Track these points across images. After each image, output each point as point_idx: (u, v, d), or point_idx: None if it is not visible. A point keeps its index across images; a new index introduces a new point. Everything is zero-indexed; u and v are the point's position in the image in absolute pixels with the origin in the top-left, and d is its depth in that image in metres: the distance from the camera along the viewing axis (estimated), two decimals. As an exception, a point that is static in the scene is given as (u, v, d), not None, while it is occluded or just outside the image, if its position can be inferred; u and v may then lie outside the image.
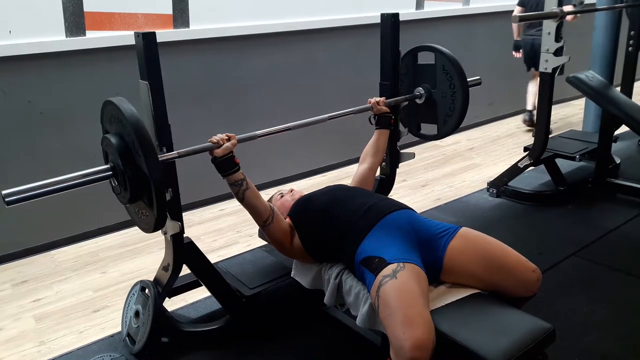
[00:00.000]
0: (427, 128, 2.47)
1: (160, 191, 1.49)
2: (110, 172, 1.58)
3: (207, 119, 3.34)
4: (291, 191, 2.13)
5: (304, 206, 1.89)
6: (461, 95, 2.23)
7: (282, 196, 2.12)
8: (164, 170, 1.72)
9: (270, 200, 2.17)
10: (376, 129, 2.25)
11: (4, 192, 1.38)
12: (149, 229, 1.61)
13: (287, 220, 1.93)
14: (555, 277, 2.31)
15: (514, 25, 4.45)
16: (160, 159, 1.58)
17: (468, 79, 2.24)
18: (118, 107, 1.51)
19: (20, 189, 1.40)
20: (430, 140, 2.48)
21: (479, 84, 2.37)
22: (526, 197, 3.17)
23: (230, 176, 1.73)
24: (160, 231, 1.83)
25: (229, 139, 1.75)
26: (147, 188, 1.51)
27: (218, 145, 1.72)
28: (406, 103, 2.39)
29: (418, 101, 2.36)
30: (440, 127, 2.36)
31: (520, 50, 4.54)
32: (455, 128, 2.31)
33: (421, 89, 2.34)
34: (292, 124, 1.98)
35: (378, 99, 2.22)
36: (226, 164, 1.72)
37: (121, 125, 1.54)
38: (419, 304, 1.43)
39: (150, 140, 1.50)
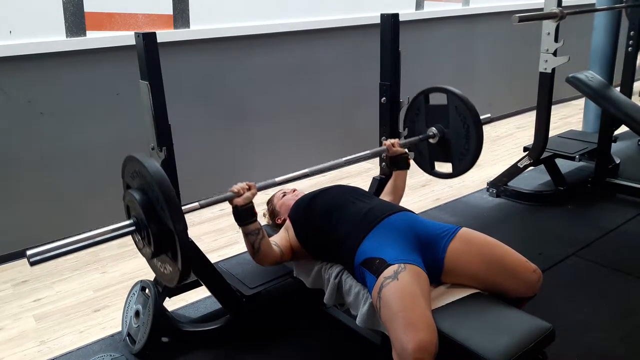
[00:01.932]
0: (441, 166, 2.47)
1: (186, 246, 1.47)
2: (134, 227, 1.56)
3: (207, 119, 3.34)
4: (294, 191, 2.13)
5: (305, 207, 1.89)
6: (475, 135, 2.23)
7: (284, 195, 2.12)
8: (169, 162, 1.71)
9: (271, 199, 2.18)
10: (393, 170, 2.22)
11: (28, 252, 1.37)
12: (172, 282, 1.59)
13: (287, 221, 1.93)
14: (555, 277, 2.31)
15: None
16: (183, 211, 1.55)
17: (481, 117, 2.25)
18: (142, 162, 1.49)
19: (43, 249, 1.39)
20: (445, 178, 2.48)
21: (490, 121, 2.37)
22: (526, 197, 3.17)
23: (248, 226, 1.71)
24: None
25: (249, 188, 1.73)
26: (172, 242, 1.49)
27: (239, 194, 1.70)
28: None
29: (432, 141, 2.37)
30: (455, 166, 2.36)
31: None
32: (470, 167, 2.32)
33: (434, 128, 2.35)
34: (310, 169, 1.95)
35: (393, 140, 2.20)
36: (246, 214, 1.71)
37: (144, 180, 1.52)
38: (420, 305, 1.43)
39: (175, 195, 1.48)
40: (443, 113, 2.31)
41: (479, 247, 1.65)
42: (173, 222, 1.44)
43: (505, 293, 1.64)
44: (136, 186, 1.57)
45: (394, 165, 2.21)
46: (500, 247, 1.67)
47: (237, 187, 1.72)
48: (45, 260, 1.40)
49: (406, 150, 2.24)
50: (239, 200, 1.70)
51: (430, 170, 2.50)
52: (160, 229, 1.49)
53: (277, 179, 1.89)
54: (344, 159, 2.05)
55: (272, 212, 2.14)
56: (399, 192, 2.21)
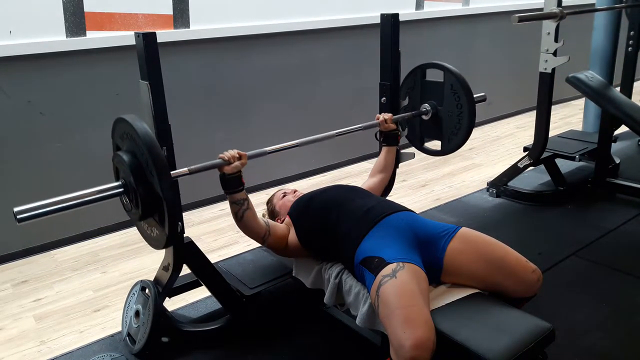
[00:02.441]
0: (431, 143, 2.48)
1: (173, 210, 1.48)
2: (122, 189, 1.57)
3: (207, 119, 3.34)
4: (294, 192, 2.13)
5: (305, 205, 1.89)
6: (467, 115, 2.24)
7: (284, 195, 2.12)
8: (168, 161, 1.73)
9: (271, 198, 2.18)
10: (383, 146, 2.25)
11: (15, 209, 1.39)
12: (159, 245, 1.60)
13: (287, 219, 1.93)
14: (555, 277, 2.31)
15: None
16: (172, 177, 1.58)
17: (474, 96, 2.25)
18: (131, 125, 1.50)
19: (31, 206, 1.41)
20: (433, 155, 2.49)
21: (484, 100, 2.38)
22: (526, 197, 3.17)
23: (234, 194, 1.73)
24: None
25: (240, 157, 1.74)
26: (159, 206, 1.50)
27: (228, 162, 1.71)
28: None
29: (424, 117, 2.38)
30: (445, 144, 2.37)
31: None
32: (459, 146, 2.33)
33: (428, 105, 2.35)
34: (300, 140, 2.00)
35: (386, 116, 2.21)
36: (233, 183, 1.72)
37: (134, 143, 1.53)
38: (419, 303, 1.43)
39: (164, 159, 1.49)
40: (438, 90, 2.32)
41: (478, 247, 1.65)
42: (161, 187, 1.45)
43: (505, 293, 1.64)
44: (125, 148, 1.58)
45: (384, 141, 2.24)
46: (499, 246, 1.67)
47: (227, 154, 1.72)
48: (33, 218, 1.41)
49: (397, 127, 2.26)
50: (227, 169, 1.71)
51: (419, 146, 2.51)
52: (148, 192, 1.50)
53: (268, 149, 1.91)
54: (335, 131, 2.10)
55: (272, 212, 2.14)
56: (388, 169, 2.24)
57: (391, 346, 1.40)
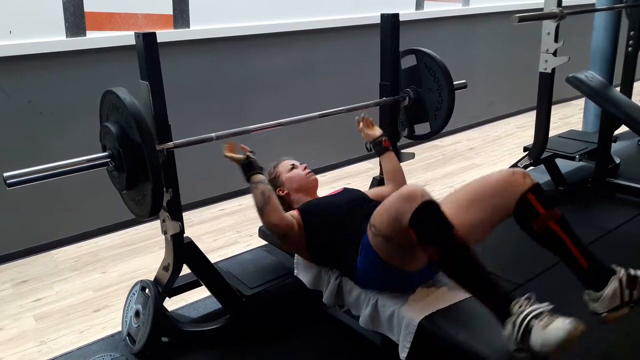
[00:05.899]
0: (420, 129, 2.48)
1: (157, 174, 1.53)
2: (109, 159, 1.63)
3: (207, 119, 3.34)
4: (305, 167, 2.05)
5: (323, 213, 1.84)
6: (446, 86, 2.27)
7: (293, 167, 2.04)
8: (168, 161, 1.76)
9: (276, 165, 2.09)
10: (377, 156, 2.16)
11: (5, 174, 1.44)
12: (145, 214, 1.65)
13: (295, 213, 1.87)
14: (555, 277, 2.31)
15: None
16: (157, 148, 1.63)
17: (454, 82, 2.29)
18: (116, 94, 1.56)
19: (21, 172, 1.47)
20: (425, 138, 2.50)
21: (465, 87, 2.40)
22: (526, 197, 3.16)
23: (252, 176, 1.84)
24: (160, 231, 1.84)
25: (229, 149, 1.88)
26: (145, 173, 1.55)
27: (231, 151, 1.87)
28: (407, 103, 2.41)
29: (406, 101, 2.40)
30: (432, 123, 2.39)
31: None
32: (446, 120, 2.34)
33: (409, 90, 2.39)
34: (283, 120, 2.03)
35: (360, 117, 2.16)
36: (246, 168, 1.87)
37: (119, 112, 1.59)
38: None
39: (148, 125, 1.54)
40: (415, 74, 2.36)
41: (455, 198, 1.65)
42: (146, 149, 1.50)
43: (508, 210, 1.59)
44: (112, 120, 1.66)
45: (373, 149, 2.14)
46: (472, 184, 1.65)
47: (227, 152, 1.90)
48: (22, 183, 1.47)
49: (379, 133, 2.15)
50: (226, 153, 1.89)
51: (410, 135, 2.52)
52: (134, 159, 1.57)
53: (251, 127, 2.05)
54: (317, 113, 2.16)
55: (274, 180, 2.04)
56: (396, 174, 2.10)
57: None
